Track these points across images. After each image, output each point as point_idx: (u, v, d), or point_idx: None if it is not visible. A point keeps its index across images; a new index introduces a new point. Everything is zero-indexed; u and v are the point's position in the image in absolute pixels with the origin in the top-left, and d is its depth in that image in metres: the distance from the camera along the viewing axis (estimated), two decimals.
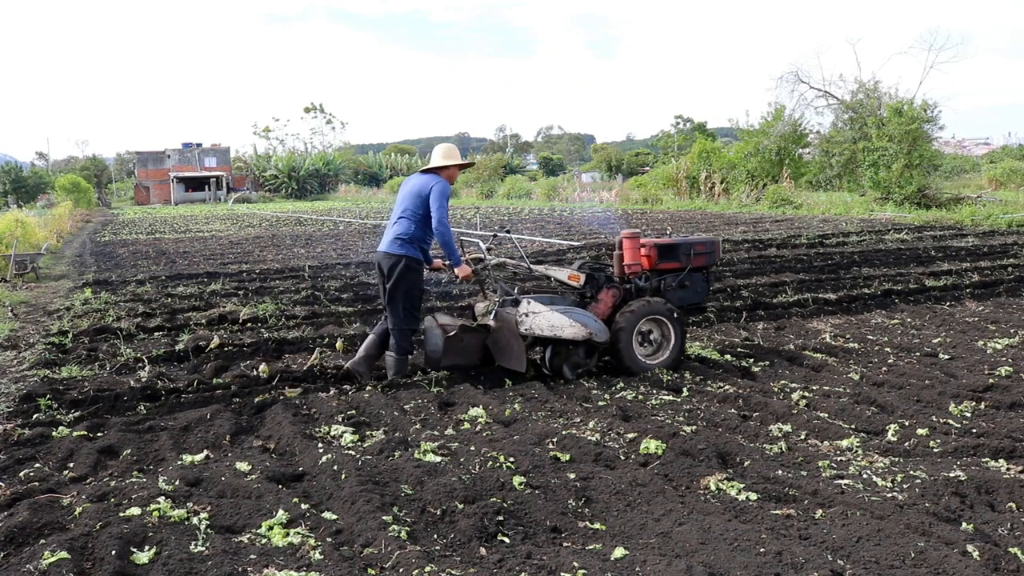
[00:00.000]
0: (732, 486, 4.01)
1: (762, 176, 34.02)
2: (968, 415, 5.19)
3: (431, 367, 6.34)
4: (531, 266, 6.89)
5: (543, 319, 5.96)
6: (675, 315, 6.42)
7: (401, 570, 3.21)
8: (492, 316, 6.29)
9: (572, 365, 6.23)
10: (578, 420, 5.21)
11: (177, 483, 4.10)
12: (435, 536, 3.61)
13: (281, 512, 3.72)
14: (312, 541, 3.49)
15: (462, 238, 7.01)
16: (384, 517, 3.66)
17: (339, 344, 7.36)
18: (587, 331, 6.00)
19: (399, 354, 6.16)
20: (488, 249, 6.74)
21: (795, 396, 5.67)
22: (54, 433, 5.11)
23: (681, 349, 6.49)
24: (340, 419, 5.31)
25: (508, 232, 7.22)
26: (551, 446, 4.63)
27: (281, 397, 5.85)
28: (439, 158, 6.26)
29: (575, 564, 3.21)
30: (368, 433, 5.09)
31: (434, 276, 10.99)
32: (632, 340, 6.28)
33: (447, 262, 6.38)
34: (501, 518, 3.70)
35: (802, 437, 4.89)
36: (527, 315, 5.98)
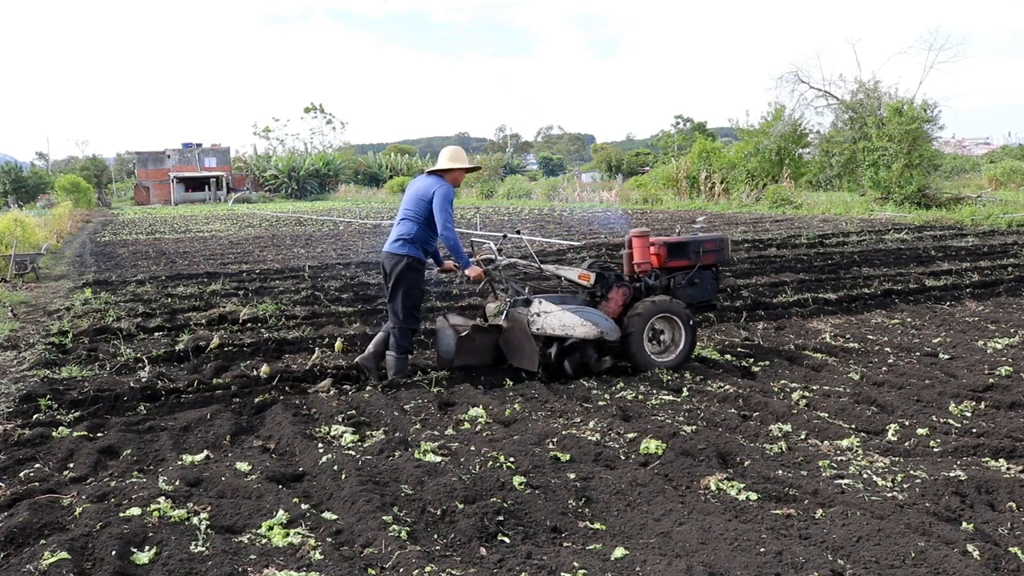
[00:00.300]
0: (732, 486, 4.01)
1: (762, 176, 34.02)
2: (968, 415, 5.19)
3: (444, 367, 6.38)
4: (541, 266, 6.92)
5: (555, 319, 6.01)
6: (687, 313, 6.47)
7: (401, 570, 3.21)
8: (504, 316, 6.32)
9: (583, 363, 6.27)
10: (578, 420, 5.21)
11: (177, 483, 4.10)
12: (435, 536, 3.61)
13: (281, 512, 3.72)
14: (312, 541, 3.49)
15: (472, 239, 7.04)
16: (384, 517, 3.66)
17: (338, 344, 7.36)
18: (598, 330, 6.05)
19: (399, 353, 6.17)
20: (499, 250, 6.76)
21: (795, 396, 5.67)
22: (54, 433, 5.11)
23: (692, 347, 6.53)
24: (340, 419, 5.31)
25: (519, 233, 7.31)
26: (551, 446, 4.63)
27: (285, 395, 5.85)
28: (444, 160, 6.28)
29: (575, 564, 3.21)
30: (368, 433, 5.09)
31: (434, 276, 11.00)
32: (644, 337, 6.31)
33: (458, 264, 6.41)
34: (501, 518, 3.70)
35: (802, 437, 4.89)
36: (539, 315, 6.02)
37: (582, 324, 6.03)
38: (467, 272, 6.24)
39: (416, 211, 6.11)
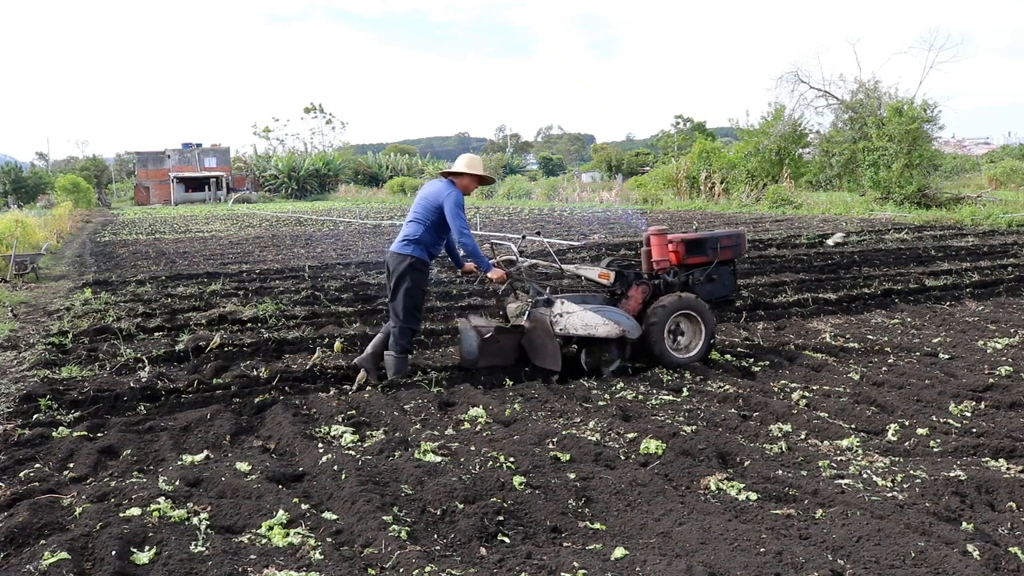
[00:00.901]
0: (732, 486, 4.01)
1: (762, 176, 34.03)
2: (968, 415, 5.19)
3: (468, 368, 6.42)
4: (562, 266, 6.96)
5: (577, 319, 6.08)
6: (707, 309, 6.53)
7: (401, 570, 3.21)
8: (526, 317, 6.34)
9: (604, 362, 6.32)
10: (578, 420, 5.21)
11: (177, 483, 4.10)
12: (435, 536, 3.61)
13: (281, 512, 3.72)
14: (312, 541, 3.49)
15: (492, 241, 7.07)
16: (384, 517, 3.66)
17: (337, 345, 7.35)
18: (620, 329, 6.13)
19: (399, 353, 6.17)
20: (520, 251, 6.78)
21: (795, 396, 5.67)
22: (54, 433, 5.11)
23: (711, 343, 6.59)
24: (340, 419, 5.32)
25: (539, 234, 7.37)
26: (551, 446, 4.63)
27: (285, 395, 5.84)
28: (459, 165, 6.32)
29: (575, 564, 3.21)
30: (368, 433, 5.09)
31: (434, 276, 11.00)
32: (664, 334, 6.36)
33: (479, 267, 6.42)
34: (501, 518, 3.70)
35: (802, 437, 4.89)
36: (561, 315, 6.07)
37: (604, 323, 6.09)
38: (489, 275, 6.26)
39: (424, 214, 6.15)
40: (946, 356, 6.75)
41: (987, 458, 4.41)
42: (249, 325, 8.70)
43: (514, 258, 6.65)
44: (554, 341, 6.06)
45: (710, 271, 6.88)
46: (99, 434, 5.15)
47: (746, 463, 4.39)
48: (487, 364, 6.39)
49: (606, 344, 6.28)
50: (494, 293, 10.14)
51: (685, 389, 5.91)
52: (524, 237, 7.14)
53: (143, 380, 6.37)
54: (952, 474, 4.08)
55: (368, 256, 15.86)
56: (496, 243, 7.02)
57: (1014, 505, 3.78)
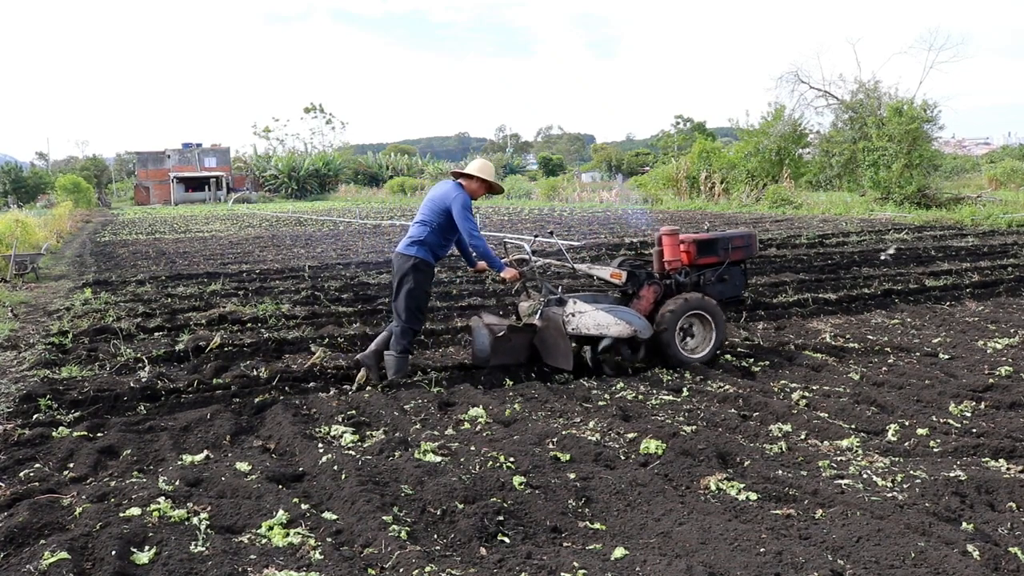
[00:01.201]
0: (732, 486, 4.01)
1: (762, 176, 34.04)
2: (968, 415, 5.19)
3: (480, 366, 6.44)
4: (575, 266, 6.99)
5: (589, 318, 6.12)
6: (718, 309, 6.57)
7: (401, 570, 3.21)
8: (538, 316, 6.36)
9: (615, 361, 6.36)
10: (578, 420, 5.21)
11: (177, 483, 4.10)
12: (435, 536, 3.61)
13: (281, 512, 3.72)
14: (312, 541, 3.50)
15: (506, 240, 7.09)
16: (384, 517, 3.66)
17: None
18: (632, 328, 6.18)
19: (399, 353, 6.18)
20: (533, 251, 6.79)
21: (795, 396, 5.67)
22: (54, 433, 5.11)
23: (721, 342, 6.63)
24: (340, 419, 5.32)
25: (551, 234, 7.39)
26: (551, 446, 4.63)
27: (285, 395, 5.84)
28: (471, 168, 6.35)
29: (575, 564, 3.21)
30: (368, 433, 5.09)
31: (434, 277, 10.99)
32: (675, 334, 6.40)
33: (492, 267, 6.43)
34: (501, 518, 3.70)
35: (802, 437, 4.89)
36: (574, 315, 6.11)
37: (616, 323, 6.13)
38: (503, 275, 6.29)
39: (431, 216, 6.17)
40: (946, 356, 6.75)
41: (987, 458, 4.41)
42: (249, 325, 8.70)
43: (527, 257, 6.68)
44: (566, 340, 6.09)
45: (721, 271, 6.91)
46: (99, 434, 5.15)
47: (746, 463, 4.39)
48: (499, 362, 6.41)
49: (618, 343, 6.29)
50: (494, 293, 10.14)
51: (685, 389, 5.91)
52: (536, 237, 7.16)
53: (143, 380, 6.37)
54: (952, 474, 4.09)
55: (368, 256, 15.86)
56: (509, 243, 7.06)
57: (1014, 505, 3.78)
